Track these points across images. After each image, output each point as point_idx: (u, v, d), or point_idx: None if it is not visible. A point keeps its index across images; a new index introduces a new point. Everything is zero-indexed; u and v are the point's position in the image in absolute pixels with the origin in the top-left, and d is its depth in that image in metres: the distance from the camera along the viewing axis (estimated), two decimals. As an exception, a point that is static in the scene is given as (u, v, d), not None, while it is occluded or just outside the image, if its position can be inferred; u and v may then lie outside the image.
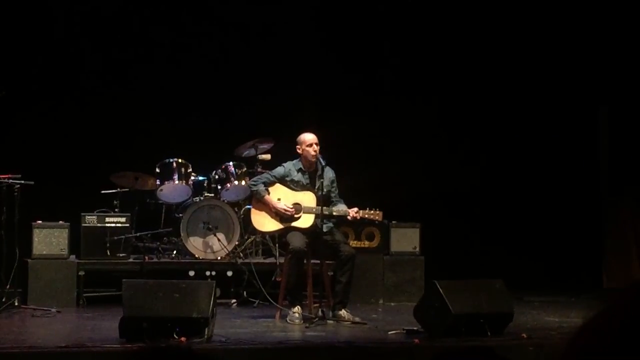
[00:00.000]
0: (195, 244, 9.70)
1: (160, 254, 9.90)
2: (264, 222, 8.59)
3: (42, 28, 10.64)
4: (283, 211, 8.44)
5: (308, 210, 8.42)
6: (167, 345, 6.02)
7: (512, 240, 11.22)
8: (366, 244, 10.28)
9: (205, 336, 6.82)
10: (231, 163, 9.84)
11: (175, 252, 9.93)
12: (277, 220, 8.52)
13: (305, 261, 8.47)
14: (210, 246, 9.71)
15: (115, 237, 9.51)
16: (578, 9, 11.55)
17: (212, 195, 9.96)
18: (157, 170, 9.76)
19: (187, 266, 9.65)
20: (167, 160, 9.77)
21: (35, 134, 10.29)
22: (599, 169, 12.09)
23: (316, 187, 8.46)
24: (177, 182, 9.71)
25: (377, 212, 8.40)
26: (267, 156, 9.92)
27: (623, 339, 1.39)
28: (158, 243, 10.00)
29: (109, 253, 9.52)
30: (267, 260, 9.88)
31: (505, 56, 11.60)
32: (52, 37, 10.68)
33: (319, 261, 8.63)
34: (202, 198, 9.94)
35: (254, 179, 8.86)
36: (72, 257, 9.51)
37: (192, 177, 9.86)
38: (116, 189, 9.83)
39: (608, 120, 12.03)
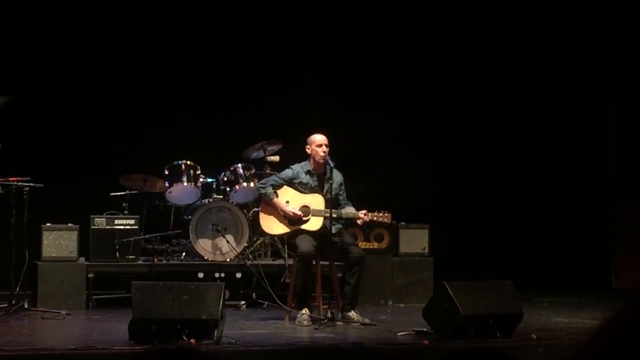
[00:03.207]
0: (204, 246, 9.70)
1: (170, 256, 9.91)
2: (272, 225, 8.58)
3: (50, 32, 10.66)
4: (292, 214, 8.43)
5: (317, 213, 8.41)
6: (175, 346, 6.04)
7: (520, 241, 11.22)
8: (375, 245, 10.28)
9: (215, 338, 6.82)
10: (240, 165, 9.84)
11: (184, 254, 9.94)
12: (285, 224, 8.51)
13: (314, 263, 8.47)
14: (219, 248, 9.72)
15: (125, 239, 9.52)
16: (586, 10, 11.53)
17: (221, 197, 9.97)
18: (166, 172, 9.78)
19: (196, 268, 9.65)
20: (175, 163, 9.78)
21: (44, 136, 10.32)
22: (607, 169, 12.07)
23: (325, 189, 8.46)
24: (185, 184, 9.72)
25: (386, 214, 8.39)
26: (276, 158, 9.93)
27: (637, 342, 1.39)
28: (167, 245, 10.01)
29: (118, 255, 9.53)
30: (276, 262, 9.89)
31: (513, 58, 11.59)
32: (60, 41, 10.70)
33: (328, 263, 8.63)
34: (210, 200, 9.94)
35: (262, 181, 8.85)
36: (82, 259, 9.52)
37: (201, 179, 9.87)
38: (125, 191, 9.85)
39: (617, 120, 12.02)
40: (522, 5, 11.63)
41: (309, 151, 8.55)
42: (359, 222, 8.42)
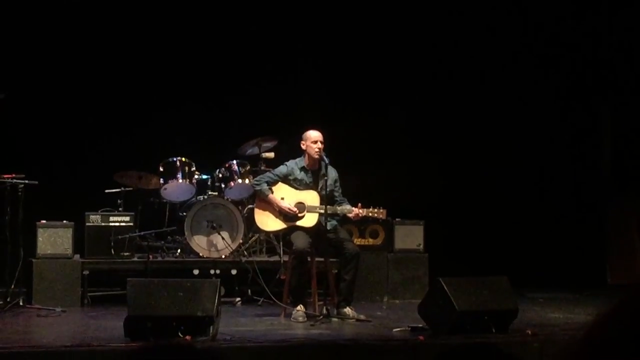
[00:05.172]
0: (199, 243, 9.70)
1: (165, 252, 9.91)
2: (267, 222, 8.58)
3: (44, 28, 10.63)
4: (287, 210, 8.43)
5: (312, 209, 8.41)
6: (171, 343, 6.03)
7: (516, 237, 11.21)
8: (370, 241, 10.27)
9: (210, 335, 6.82)
10: (235, 161, 9.84)
11: (179, 250, 9.93)
12: (280, 220, 8.51)
13: (309, 259, 8.47)
14: (215, 245, 9.71)
15: (120, 236, 9.51)
16: (580, 10, 11.53)
17: (216, 193, 9.96)
18: (161, 169, 9.77)
19: (191, 265, 9.65)
20: (170, 159, 9.77)
21: (39, 133, 10.30)
22: (603, 164, 12.07)
23: (319, 186, 8.46)
24: (180, 180, 9.71)
25: (381, 210, 8.39)
26: (271, 154, 9.93)
27: (632, 337, 1.39)
28: (162, 242, 10.00)
29: (113, 252, 9.52)
30: (272, 259, 9.89)
31: (507, 55, 11.59)
32: (55, 37, 10.67)
33: (323, 259, 8.63)
34: (205, 197, 9.94)
35: (257, 178, 8.84)
36: (77, 256, 9.51)
37: (196, 176, 9.86)
38: (120, 188, 9.84)
39: (611, 119, 12.02)
40: (517, 4, 11.62)
41: (303, 147, 8.55)
42: (351, 215, 8.40)
